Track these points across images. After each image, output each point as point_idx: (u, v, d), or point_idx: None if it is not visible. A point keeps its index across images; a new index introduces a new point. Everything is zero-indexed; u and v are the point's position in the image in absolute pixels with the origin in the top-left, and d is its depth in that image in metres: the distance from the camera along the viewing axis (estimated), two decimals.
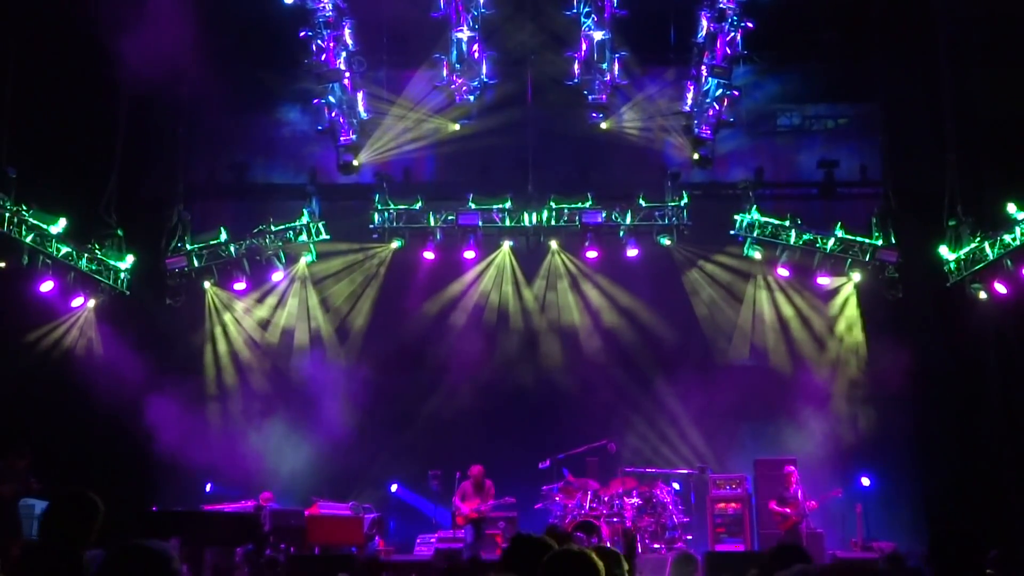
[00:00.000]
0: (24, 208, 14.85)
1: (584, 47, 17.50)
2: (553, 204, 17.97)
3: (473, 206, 17.93)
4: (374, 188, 18.30)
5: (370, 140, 18.34)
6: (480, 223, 17.94)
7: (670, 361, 18.10)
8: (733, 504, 16.48)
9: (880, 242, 17.49)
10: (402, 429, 17.76)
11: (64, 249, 15.73)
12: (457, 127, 18.34)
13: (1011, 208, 15.26)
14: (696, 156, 18.29)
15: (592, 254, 18.13)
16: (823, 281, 17.90)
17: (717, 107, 17.59)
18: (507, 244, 18.58)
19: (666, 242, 18.10)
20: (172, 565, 3.80)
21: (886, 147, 18.19)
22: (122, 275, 17.06)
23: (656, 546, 15.50)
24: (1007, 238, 15.49)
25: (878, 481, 16.99)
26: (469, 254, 18.14)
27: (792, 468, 16.14)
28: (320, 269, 18.69)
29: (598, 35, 17.30)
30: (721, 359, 18.44)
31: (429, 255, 18.16)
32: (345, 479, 17.31)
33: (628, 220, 17.98)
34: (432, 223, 18.07)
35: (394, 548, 16.53)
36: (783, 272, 17.97)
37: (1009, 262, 15.51)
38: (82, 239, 16.23)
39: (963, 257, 16.52)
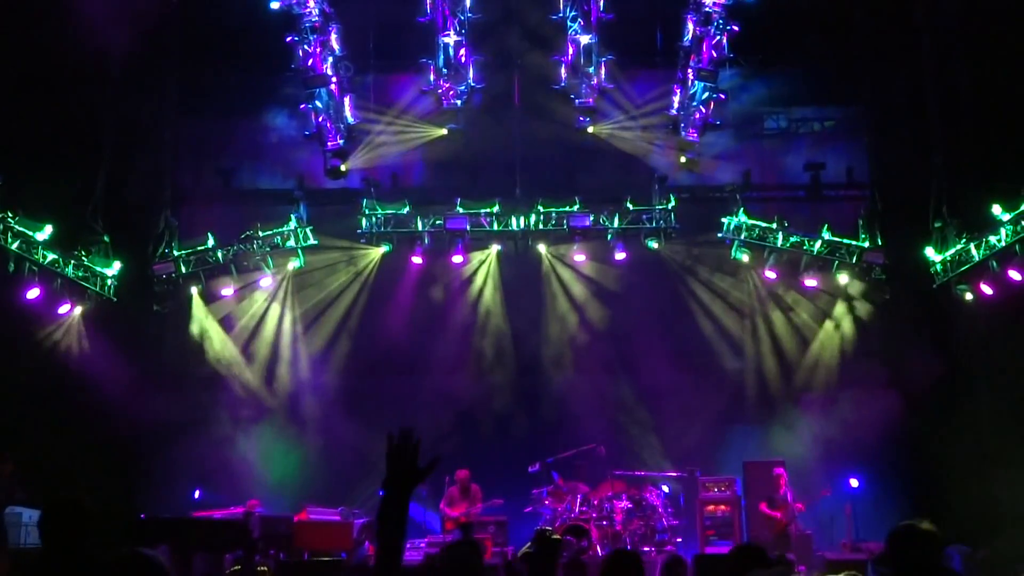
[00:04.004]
0: (10, 215, 14.79)
1: (570, 51, 17.57)
2: (541, 208, 17.99)
3: (461, 210, 17.94)
4: (362, 193, 18.29)
5: (357, 145, 18.32)
6: (468, 227, 17.96)
7: (658, 364, 18.08)
8: (723, 506, 16.49)
9: (867, 244, 17.57)
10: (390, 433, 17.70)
11: (50, 256, 15.66)
12: (444, 131, 18.33)
13: (996, 209, 15.35)
14: (683, 159, 18.33)
15: (580, 257, 18.18)
16: (810, 283, 17.94)
17: (704, 110, 17.63)
18: (495, 248, 18.58)
19: (654, 245, 18.13)
20: (166, 573, 3.87)
21: (872, 149, 18.30)
22: (109, 281, 16.98)
23: (646, 549, 15.50)
24: (992, 239, 15.58)
25: (867, 482, 17.03)
26: (457, 258, 18.15)
27: (781, 470, 16.17)
28: (308, 274, 18.64)
29: (584, 39, 17.36)
30: (709, 361, 18.45)
31: (417, 259, 18.16)
32: (334, 484, 17.26)
33: (616, 223, 18.01)
34: (420, 227, 18.07)
35: None
36: (770, 274, 18.02)
37: (995, 263, 15.59)
38: (69, 246, 16.16)
39: (949, 258, 16.60)
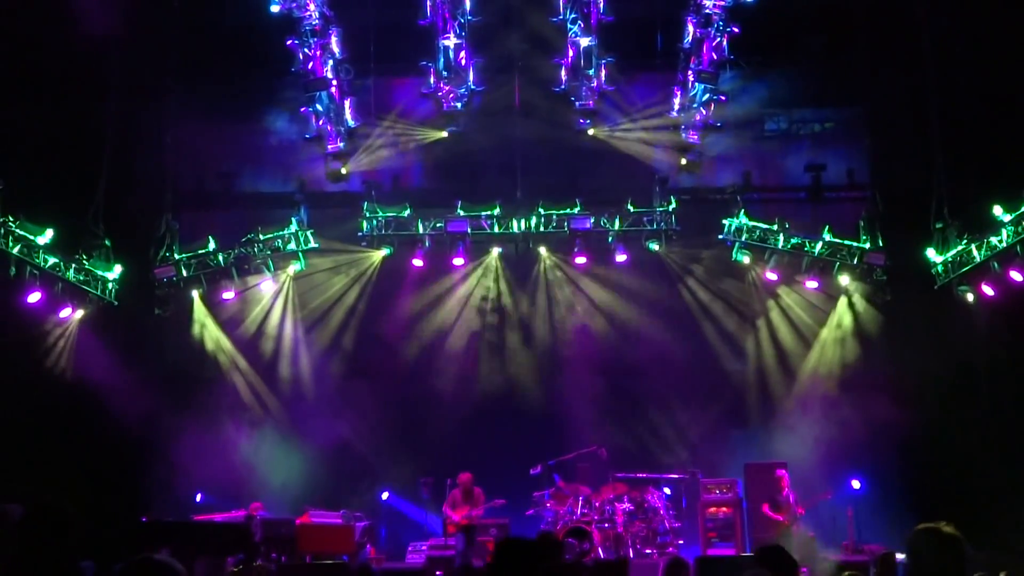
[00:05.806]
0: (11, 219, 14.80)
1: (571, 53, 17.56)
2: (542, 210, 17.98)
3: (462, 213, 17.94)
4: (362, 196, 18.30)
5: (358, 148, 18.33)
6: (469, 230, 17.94)
7: (660, 366, 18.08)
8: (724, 508, 16.46)
9: (868, 245, 17.54)
10: (392, 437, 17.73)
11: (52, 260, 15.66)
12: (445, 134, 18.33)
13: (997, 210, 15.33)
14: (684, 161, 18.32)
15: (581, 260, 18.17)
16: (812, 285, 17.93)
17: (704, 112, 17.66)
18: (496, 251, 18.58)
19: (655, 247, 18.12)
20: None
21: (872, 150, 18.27)
22: (110, 285, 16.99)
23: (648, 551, 15.51)
24: (993, 240, 15.56)
25: (869, 484, 17.00)
26: (458, 261, 18.15)
27: (783, 472, 16.16)
28: (308, 278, 18.64)
29: (585, 41, 17.36)
30: (711, 363, 18.44)
31: (418, 263, 18.15)
32: (336, 488, 17.27)
33: (616, 226, 17.99)
34: (421, 230, 18.08)
35: (385, 556, 16.49)
36: (772, 276, 18.00)
37: (996, 264, 15.58)
38: (70, 249, 16.16)
39: (950, 259, 16.58)
